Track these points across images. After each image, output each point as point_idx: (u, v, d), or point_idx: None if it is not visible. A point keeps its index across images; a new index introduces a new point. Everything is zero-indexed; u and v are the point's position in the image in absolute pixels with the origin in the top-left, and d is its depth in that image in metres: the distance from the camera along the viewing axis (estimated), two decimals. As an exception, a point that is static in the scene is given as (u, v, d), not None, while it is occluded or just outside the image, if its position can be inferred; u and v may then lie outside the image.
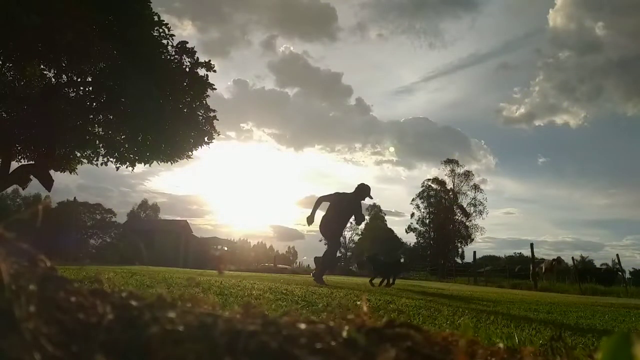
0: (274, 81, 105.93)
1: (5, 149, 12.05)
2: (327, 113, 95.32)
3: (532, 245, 17.99)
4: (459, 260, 45.66)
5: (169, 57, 12.37)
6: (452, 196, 50.30)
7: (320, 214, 7.15)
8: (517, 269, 24.78)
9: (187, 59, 12.73)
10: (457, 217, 49.84)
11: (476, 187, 50.07)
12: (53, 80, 12.49)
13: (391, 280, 7.32)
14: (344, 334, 0.47)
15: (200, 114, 13.18)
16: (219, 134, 13.53)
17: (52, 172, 12.83)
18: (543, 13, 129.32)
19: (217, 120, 13.41)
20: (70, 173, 13.76)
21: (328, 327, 0.49)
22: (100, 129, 13.09)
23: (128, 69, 11.04)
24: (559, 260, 20.15)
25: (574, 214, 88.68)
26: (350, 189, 7.56)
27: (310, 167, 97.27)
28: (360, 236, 56.75)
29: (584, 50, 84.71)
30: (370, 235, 55.12)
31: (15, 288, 0.44)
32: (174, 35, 12.31)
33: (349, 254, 54.29)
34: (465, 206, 49.85)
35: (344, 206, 6.97)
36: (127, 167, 13.26)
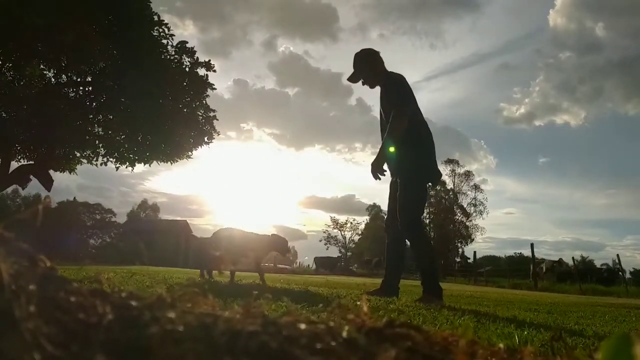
0: (274, 81, 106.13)
1: (4, 149, 12.05)
2: (327, 113, 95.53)
3: (532, 245, 18.02)
4: (458, 259, 45.64)
5: (168, 56, 12.37)
6: (452, 196, 50.31)
7: None
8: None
9: (186, 59, 12.74)
10: (457, 217, 49.85)
11: (476, 187, 50.10)
12: (53, 80, 12.50)
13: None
14: (344, 334, 0.47)
15: (200, 113, 13.19)
16: (219, 134, 13.54)
17: (51, 172, 12.84)
18: (543, 14, 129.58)
19: (217, 120, 13.41)
20: (70, 173, 13.77)
21: (328, 327, 0.49)
22: (100, 129, 13.10)
23: (128, 68, 11.04)
24: (560, 261, 20.23)
25: (574, 214, 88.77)
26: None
27: (311, 167, 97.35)
28: (360, 236, 56.74)
29: (584, 50, 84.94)
30: (371, 235, 55.09)
31: (15, 288, 0.44)
32: (173, 35, 12.33)
33: (349, 254, 54.26)
34: (465, 206, 49.88)
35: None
36: (126, 167, 13.27)
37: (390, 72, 3.80)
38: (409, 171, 3.61)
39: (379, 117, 3.81)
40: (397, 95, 3.57)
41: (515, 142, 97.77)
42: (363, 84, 3.82)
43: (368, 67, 3.79)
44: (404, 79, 3.67)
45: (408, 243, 3.62)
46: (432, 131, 3.82)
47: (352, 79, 3.85)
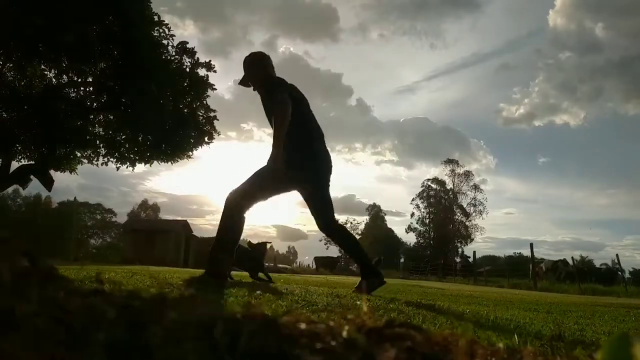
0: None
1: (5, 149, 12.05)
2: (327, 113, 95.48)
3: (531, 245, 17.99)
4: (458, 259, 45.65)
5: (169, 57, 12.37)
6: (452, 196, 50.31)
7: None
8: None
9: (187, 59, 12.74)
10: (457, 217, 49.85)
11: (476, 187, 50.12)
12: (54, 80, 12.50)
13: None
14: (344, 334, 0.47)
15: (201, 114, 13.19)
16: (219, 134, 13.54)
17: (52, 172, 12.85)
18: (543, 14, 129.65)
19: (218, 120, 13.41)
20: (71, 173, 13.77)
21: (328, 327, 0.49)
22: (101, 129, 13.11)
23: (128, 69, 11.05)
24: (564, 261, 20.31)
25: (574, 214, 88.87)
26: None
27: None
28: (360, 236, 56.73)
29: (584, 50, 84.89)
30: (371, 235, 55.11)
31: (16, 288, 0.44)
32: (174, 36, 12.32)
33: (349, 254, 54.22)
34: (465, 206, 49.90)
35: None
36: (127, 167, 13.27)
37: (275, 76, 3.74)
38: (316, 181, 3.70)
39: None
40: (273, 90, 3.51)
41: (515, 142, 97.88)
42: (254, 89, 3.75)
43: (257, 71, 3.73)
44: (285, 81, 3.64)
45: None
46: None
47: (243, 82, 3.79)
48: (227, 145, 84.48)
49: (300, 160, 3.53)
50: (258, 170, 3.54)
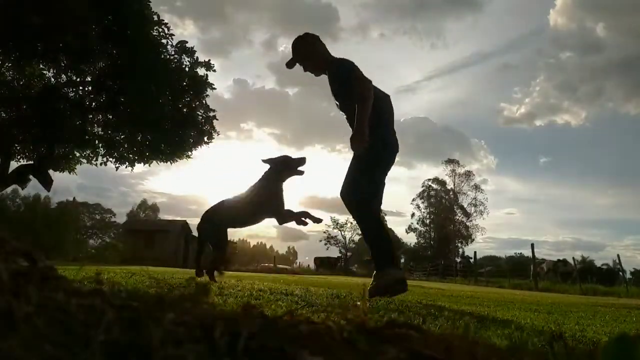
0: (274, 81, 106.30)
1: (4, 149, 12.05)
2: (327, 113, 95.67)
3: (532, 245, 17.98)
4: (459, 260, 45.65)
5: (168, 56, 12.38)
6: (452, 196, 50.29)
7: None
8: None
9: (186, 59, 12.75)
10: (457, 217, 49.82)
11: (477, 187, 50.08)
12: (52, 80, 12.49)
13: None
14: (344, 334, 0.47)
15: (200, 113, 13.20)
16: (218, 134, 13.54)
17: (51, 172, 12.84)
18: (544, 13, 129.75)
19: (217, 120, 13.42)
20: (70, 173, 13.77)
21: (328, 327, 0.48)
22: (100, 129, 13.10)
23: (127, 68, 11.05)
24: (564, 261, 20.31)
25: (575, 214, 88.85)
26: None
27: (312, 166, 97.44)
28: (361, 236, 56.75)
29: (585, 50, 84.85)
30: (370, 235, 54.98)
31: (15, 288, 0.44)
32: (173, 35, 12.34)
33: (349, 254, 54.24)
34: (465, 206, 49.86)
35: None
36: (126, 167, 13.28)
37: (340, 58, 3.57)
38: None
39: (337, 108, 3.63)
40: (351, 70, 3.42)
41: (516, 142, 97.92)
42: (305, 70, 3.65)
43: (316, 50, 3.59)
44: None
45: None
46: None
47: (291, 64, 3.67)
48: (227, 145, 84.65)
49: (389, 135, 3.55)
50: (357, 160, 3.34)
